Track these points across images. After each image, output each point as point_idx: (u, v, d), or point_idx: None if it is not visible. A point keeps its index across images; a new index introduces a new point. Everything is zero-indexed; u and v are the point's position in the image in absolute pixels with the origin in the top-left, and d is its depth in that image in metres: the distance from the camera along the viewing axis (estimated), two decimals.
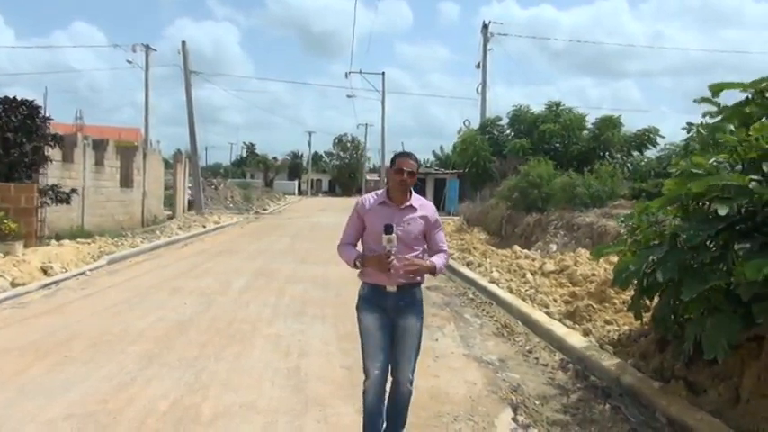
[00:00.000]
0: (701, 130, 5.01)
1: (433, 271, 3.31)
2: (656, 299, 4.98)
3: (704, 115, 4.90)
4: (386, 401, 3.39)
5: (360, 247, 3.46)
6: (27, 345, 5.68)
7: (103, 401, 4.27)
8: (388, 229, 3.14)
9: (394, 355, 3.34)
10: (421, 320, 3.41)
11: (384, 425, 3.42)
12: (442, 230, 3.54)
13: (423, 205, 3.41)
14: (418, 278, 3.37)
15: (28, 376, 4.80)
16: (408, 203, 3.34)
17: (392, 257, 3.15)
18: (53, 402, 4.22)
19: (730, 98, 4.74)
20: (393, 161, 3.38)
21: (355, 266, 3.34)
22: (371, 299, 3.34)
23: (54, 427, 3.84)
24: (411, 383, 3.37)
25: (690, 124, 5.22)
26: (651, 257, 4.34)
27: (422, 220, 3.34)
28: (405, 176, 3.27)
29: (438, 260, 3.36)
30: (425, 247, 3.40)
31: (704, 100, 4.75)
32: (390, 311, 3.31)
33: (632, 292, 5.18)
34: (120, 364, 5.14)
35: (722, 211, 3.70)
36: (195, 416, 4.07)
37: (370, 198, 3.46)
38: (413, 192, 3.40)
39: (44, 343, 5.74)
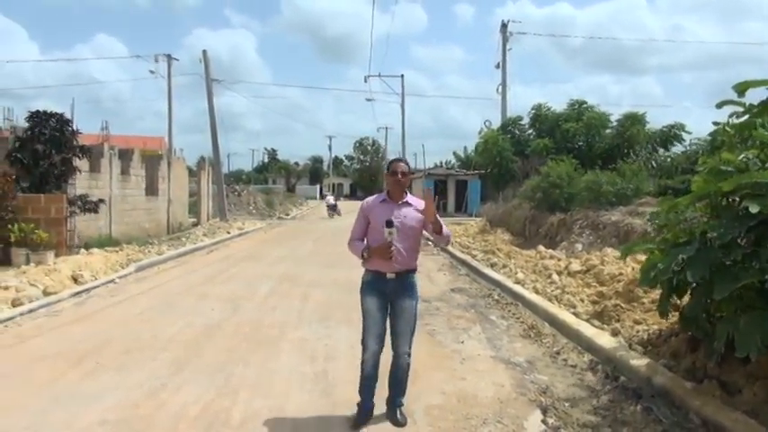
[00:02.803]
0: (727, 128, 4.90)
1: (440, 228, 3.81)
2: (685, 298, 4.90)
3: (731, 116, 4.80)
4: (383, 372, 4.00)
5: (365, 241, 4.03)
6: (60, 352, 5.80)
7: (136, 407, 4.34)
8: (389, 224, 3.75)
9: (393, 332, 3.94)
10: (416, 301, 4.00)
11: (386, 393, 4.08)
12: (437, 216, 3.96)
13: (417, 201, 4.00)
14: (413, 265, 3.96)
15: (62, 384, 4.90)
16: (405, 200, 3.97)
17: (393, 247, 3.76)
18: (88, 409, 4.30)
19: (755, 96, 4.63)
20: (388, 167, 4.06)
21: (362, 257, 3.93)
22: (373, 284, 3.94)
23: None
24: (408, 356, 3.98)
25: (716, 123, 5.11)
26: (681, 256, 4.27)
27: (417, 212, 3.91)
28: (399, 177, 3.93)
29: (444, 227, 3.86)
30: (421, 239, 4.04)
31: (727, 102, 4.65)
32: (390, 294, 3.92)
33: (660, 291, 5.10)
34: (151, 371, 5.22)
35: (753, 209, 3.64)
36: (225, 420, 4.12)
37: (372, 199, 4.13)
38: (408, 192, 4.02)
39: (77, 350, 5.86)
